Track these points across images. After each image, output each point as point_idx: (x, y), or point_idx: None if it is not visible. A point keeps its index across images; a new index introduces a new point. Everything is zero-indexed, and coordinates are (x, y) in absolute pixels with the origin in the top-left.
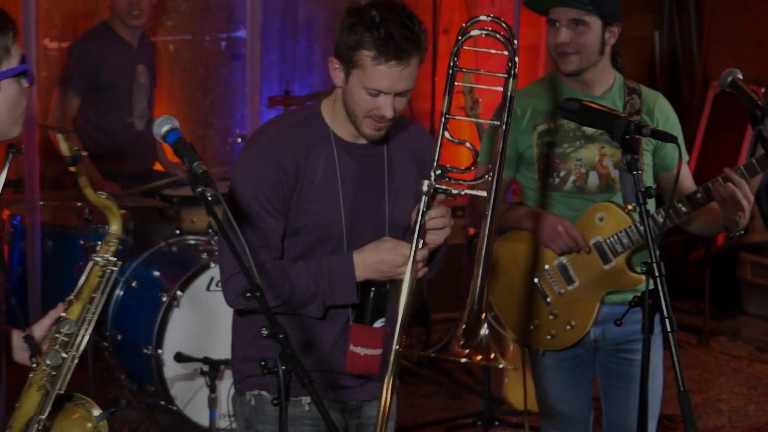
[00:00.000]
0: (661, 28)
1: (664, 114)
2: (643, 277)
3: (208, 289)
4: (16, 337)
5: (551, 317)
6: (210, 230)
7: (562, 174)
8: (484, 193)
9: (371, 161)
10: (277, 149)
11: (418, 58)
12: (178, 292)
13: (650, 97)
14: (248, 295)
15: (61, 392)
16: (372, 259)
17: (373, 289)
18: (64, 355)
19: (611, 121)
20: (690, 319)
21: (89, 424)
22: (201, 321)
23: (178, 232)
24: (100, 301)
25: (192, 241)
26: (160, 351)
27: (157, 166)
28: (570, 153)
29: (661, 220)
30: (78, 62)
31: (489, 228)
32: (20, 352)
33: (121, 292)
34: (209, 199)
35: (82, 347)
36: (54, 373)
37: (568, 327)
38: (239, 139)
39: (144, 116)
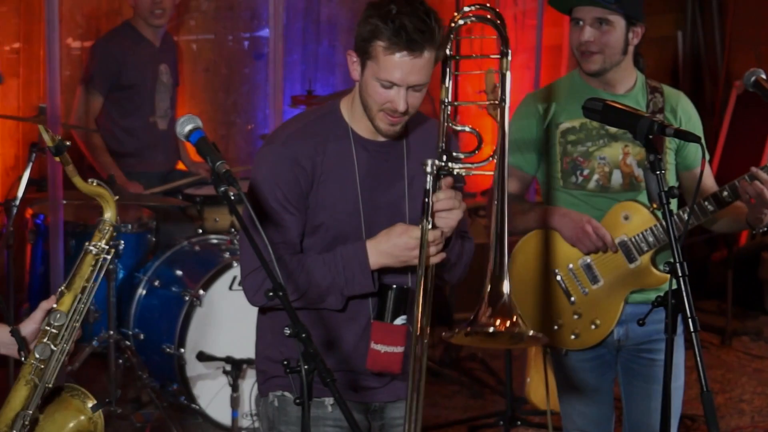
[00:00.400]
0: (684, 28)
1: (686, 113)
2: (668, 276)
3: (230, 288)
4: (3, 332)
5: (575, 317)
6: (233, 229)
7: (585, 173)
8: (490, 173)
9: (390, 158)
10: (293, 146)
11: (432, 53)
12: (201, 291)
13: (672, 96)
14: (271, 294)
15: (49, 386)
16: (384, 245)
17: (394, 286)
18: (53, 347)
19: (635, 120)
20: (712, 319)
21: (83, 417)
22: (223, 320)
23: (200, 231)
24: (92, 291)
25: (214, 240)
26: (182, 350)
27: (180, 166)
28: (593, 152)
29: (686, 218)
30: (100, 61)
31: (500, 200)
32: (10, 347)
33: (144, 291)
34: (232, 198)
35: (73, 339)
36: (42, 366)
37: (593, 326)
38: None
39: (166, 116)
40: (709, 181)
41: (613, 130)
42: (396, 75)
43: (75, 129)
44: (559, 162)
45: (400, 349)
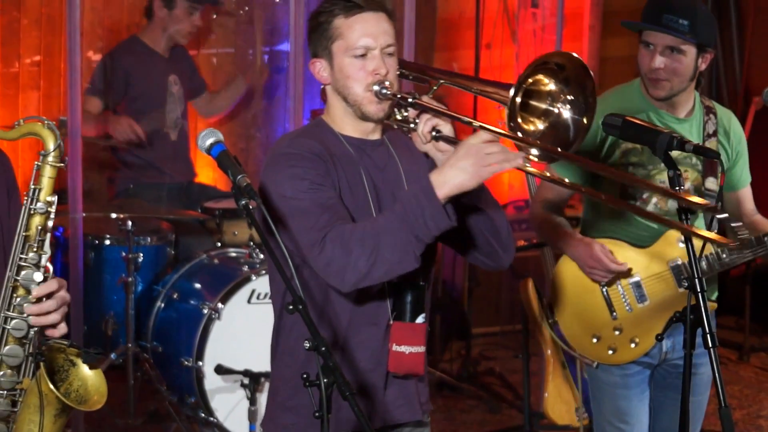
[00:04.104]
0: None
1: (737, 135)
2: (715, 304)
3: (249, 301)
4: None
5: (616, 332)
6: (251, 243)
7: (644, 196)
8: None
9: (382, 153)
10: (300, 144)
11: (388, 18)
12: (219, 305)
13: (725, 118)
14: (291, 307)
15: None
16: (454, 157)
17: (409, 285)
18: None
19: (654, 136)
20: (730, 335)
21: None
22: (241, 333)
23: (219, 244)
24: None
25: (233, 254)
26: (200, 363)
27: (200, 179)
28: (654, 175)
29: (724, 256)
30: (108, 70)
31: None
32: None
33: (162, 304)
34: (253, 211)
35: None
36: None
37: (632, 344)
38: None
39: (176, 126)
40: (749, 205)
41: (674, 154)
42: (365, 32)
43: (95, 142)
44: (619, 184)
45: (422, 349)
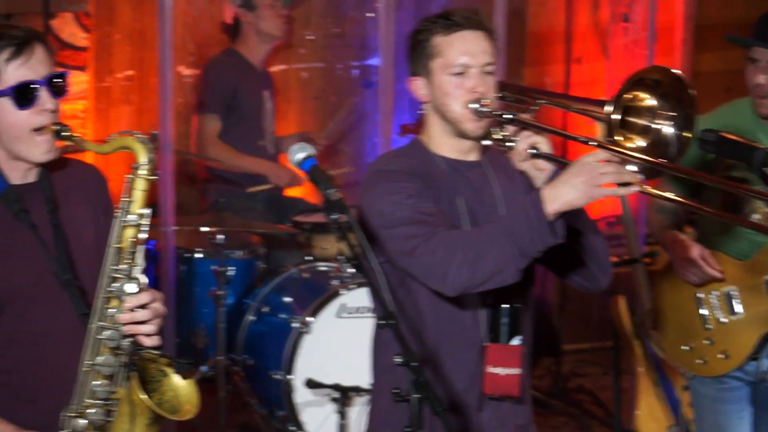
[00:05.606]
0: None
1: None
2: None
3: (338, 315)
4: None
5: (706, 342)
6: (341, 257)
7: (746, 211)
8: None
9: (479, 174)
10: (398, 163)
11: (491, 37)
12: (309, 318)
13: None
14: (383, 323)
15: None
16: (566, 174)
17: (506, 306)
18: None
19: (750, 152)
20: None
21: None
22: (331, 347)
23: (309, 258)
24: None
25: (323, 268)
26: (290, 377)
27: (287, 192)
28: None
29: None
30: (214, 86)
31: None
32: None
33: (253, 318)
34: (343, 225)
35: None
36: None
37: (721, 356)
38: None
39: (273, 140)
40: None
41: None
42: (464, 50)
43: (188, 156)
44: (721, 198)
45: (518, 371)
